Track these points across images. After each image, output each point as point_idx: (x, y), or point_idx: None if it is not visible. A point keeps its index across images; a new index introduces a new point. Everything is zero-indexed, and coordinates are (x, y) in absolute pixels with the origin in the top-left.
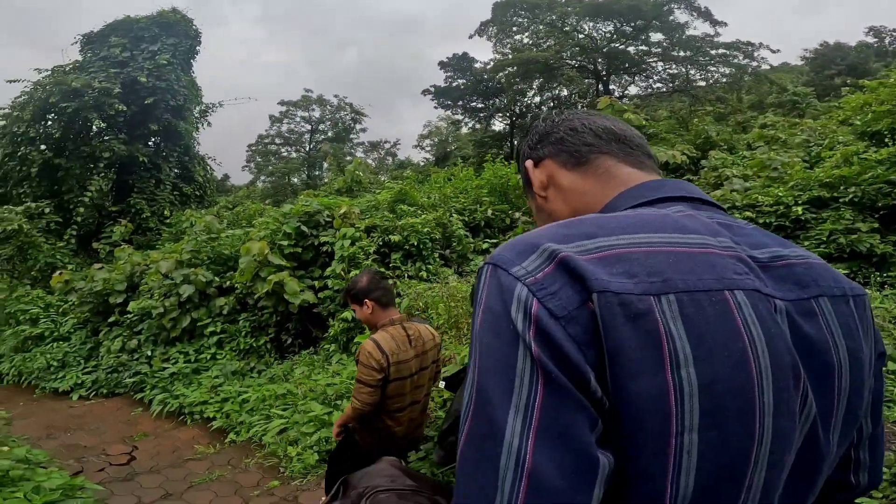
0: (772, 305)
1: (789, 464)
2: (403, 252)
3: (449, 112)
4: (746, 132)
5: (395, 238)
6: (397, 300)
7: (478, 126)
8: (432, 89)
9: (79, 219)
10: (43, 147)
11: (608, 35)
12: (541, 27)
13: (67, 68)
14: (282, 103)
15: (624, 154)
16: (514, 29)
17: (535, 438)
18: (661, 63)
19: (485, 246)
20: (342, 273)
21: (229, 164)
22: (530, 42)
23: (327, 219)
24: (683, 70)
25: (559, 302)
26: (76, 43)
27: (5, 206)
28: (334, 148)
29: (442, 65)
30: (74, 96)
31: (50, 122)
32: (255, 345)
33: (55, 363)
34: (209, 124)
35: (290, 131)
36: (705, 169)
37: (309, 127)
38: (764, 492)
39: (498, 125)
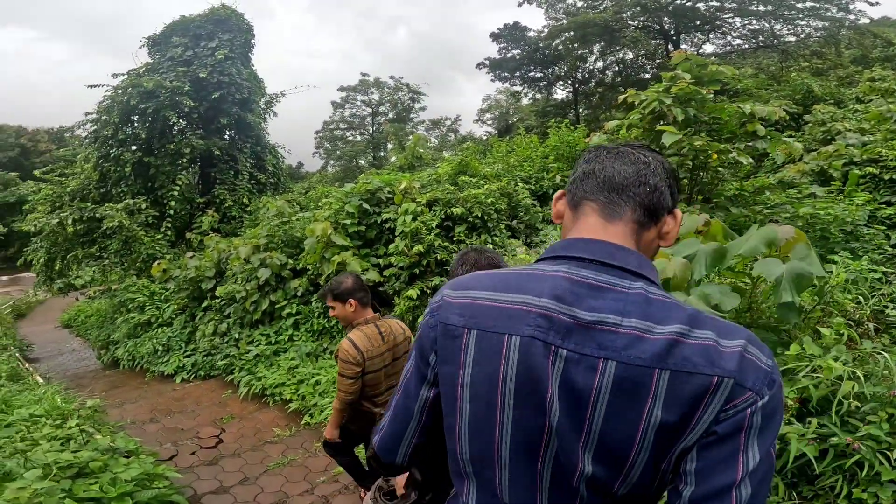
0: (550, 349)
1: (537, 445)
2: (467, 225)
3: (507, 84)
4: (852, 87)
5: (457, 210)
6: None
7: (539, 96)
8: (487, 62)
9: (171, 212)
10: (134, 147)
11: None
12: None
13: (141, 71)
14: (341, 89)
15: (605, 204)
16: None
17: (403, 382)
18: (737, 19)
19: None
20: (405, 249)
21: (302, 152)
22: (584, 5)
23: (388, 195)
24: (767, 25)
25: (433, 320)
26: (143, 46)
27: (108, 204)
28: (395, 128)
29: (494, 36)
30: (150, 97)
31: (136, 124)
32: (327, 325)
33: (161, 347)
34: (275, 114)
35: (352, 116)
36: (810, 124)
37: (370, 110)
38: (523, 453)
39: (560, 93)
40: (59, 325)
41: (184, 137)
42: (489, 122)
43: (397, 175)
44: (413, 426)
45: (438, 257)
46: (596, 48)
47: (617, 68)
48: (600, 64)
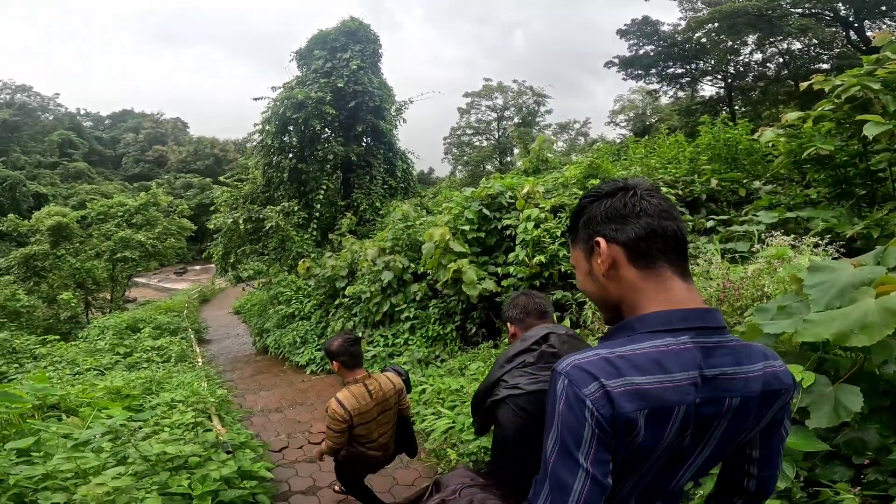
0: (691, 406)
1: (664, 461)
2: None
3: (641, 82)
4: None
5: None
6: None
7: (681, 94)
8: (616, 61)
9: (317, 214)
10: (290, 156)
11: None
12: None
13: (293, 84)
14: (466, 95)
15: (680, 265)
16: None
17: (592, 465)
18: None
19: (709, 224)
20: (525, 259)
21: (432, 158)
22: None
23: (510, 200)
24: None
25: (604, 411)
26: (292, 60)
27: (269, 206)
28: (520, 132)
29: (621, 33)
30: (301, 108)
31: (291, 133)
32: (441, 332)
33: (298, 339)
34: (404, 121)
35: (477, 121)
36: None
37: (495, 115)
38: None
39: (708, 89)
40: (231, 311)
41: (327, 145)
42: (623, 124)
43: (520, 179)
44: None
45: (562, 269)
46: (750, 39)
47: (781, 60)
48: (758, 56)
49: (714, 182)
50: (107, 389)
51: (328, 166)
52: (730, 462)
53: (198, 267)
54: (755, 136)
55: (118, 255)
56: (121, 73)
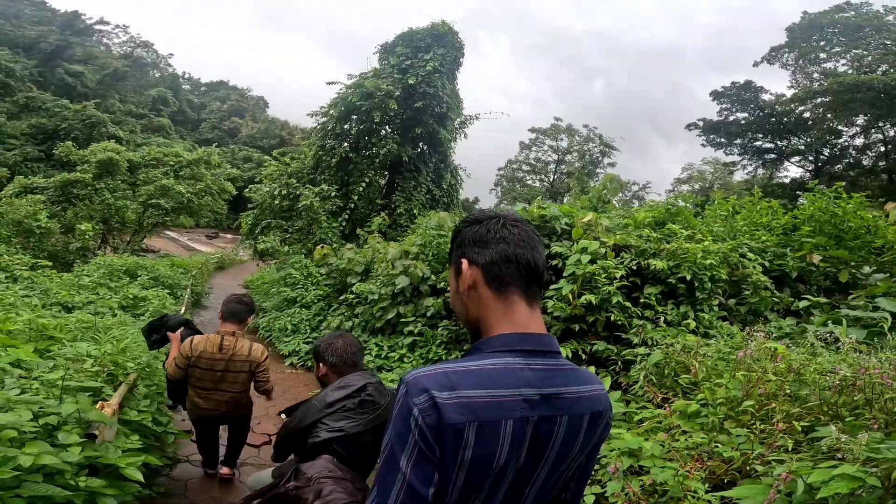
0: (529, 420)
1: (508, 481)
2: (665, 287)
3: (721, 152)
4: None
5: (657, 265)
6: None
7: (761, 171)
8: (700, 123)
9: (352, 205)
10: (345, 144)
11: None
12: (866, 51)
13: (368, 74)
14: (532, 130)
15: (530, 292)
16: (823, 55)
17: (411, 472)
18: None
19: (801, 305)
20: (570, 296)
21: (481, 188)
22: (849, 69)
23: (565, 227)
24: None
25: (430, 421)
26: (376, 52)
27: (307, 186)
28: (579, 173)
29: (716, 95)
30: (368, 97)
31: (353, 122)
32: (444, 357)
33: (290, 326)
34: (465, 136)
35: (536, 159)
36: None
37: (555, 157)
38: (518, 491)
39: (793, 170)
40: (243, 283)
41: (382, 140)
42: (685, 196)
43: (579, 209)
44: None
45: (612, 318)
46: (859, 120)
47: (883, 149)
48: (859, 141)
49: (816, 258)
50: (28, 326)
51: (377, 161)
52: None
53: (229, 235)
54: (877, 214)
55: (153, 200)
56: (225, 46)
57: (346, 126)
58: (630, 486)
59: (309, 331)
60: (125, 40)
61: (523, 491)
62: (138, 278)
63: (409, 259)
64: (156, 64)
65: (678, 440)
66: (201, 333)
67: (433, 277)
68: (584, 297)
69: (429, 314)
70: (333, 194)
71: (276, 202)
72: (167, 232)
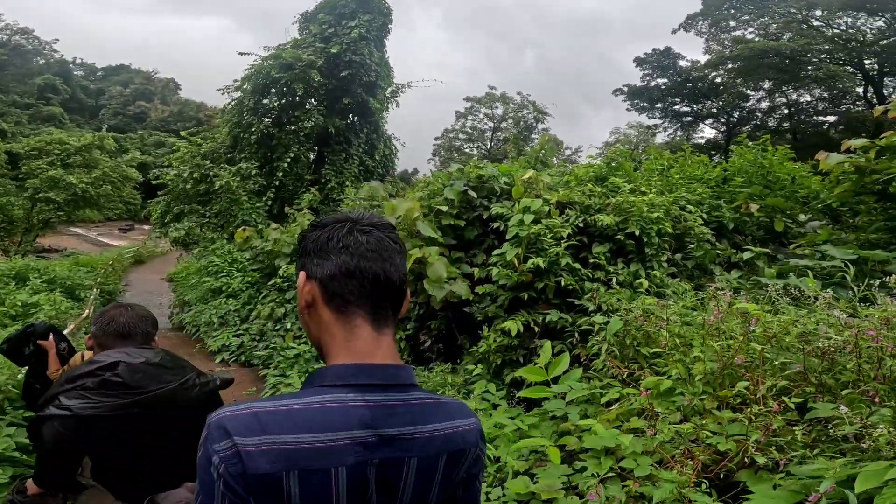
0: (368, 464)
1: None
2: (614, 245)
3: (644, 115)
4: None
5: (604, 220)
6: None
7: (679, 133)
8: (625, 89)
9: (277, 182)
10: (266, 120)
11: (878, 31)
12: (771, 20)
13: (287, 45)
14: (467, 99)
15: (374, 312)
16: (733, 23)
17: None
18: None
19: (744, 256)
20: (514, 261)
21: (419, 158)
22: (756, 37)
23: (505, 186)
24: None
25: (234, 469)
26: (296, 22)
27: (222, 165)
28: (515, 139)
29: (639, 62)
30: (287, 69)
31: (273, 95)
32: (402, 347)
33: (217, 319)
34: (398, 105)
35: (473, 128)
36: None
37: (491, 124)
38: None
39: (708, 132)
40: (165, 277)
41: (305, 111)
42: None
43: (518, 169)
44: None
45: (562, 283)
46: (766, 85)
47: (786, 111)
48: (765, 104)
49: (753, 207)
50: None
51: (302, 135)
52: None
53: (146, 227)
54: (799, 166)
55: (41, 194)
56: (125, 29)
57: (264, 101)
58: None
59: (238, 322)
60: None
61: None
62: (28, 283)
63: None
64: (38, 51)
65: (658, 429)
66: (67, 339)
67: None
68: (530, 261)
69: None
70: (254, 172)
71: (189, 186)
72: (72, 228)
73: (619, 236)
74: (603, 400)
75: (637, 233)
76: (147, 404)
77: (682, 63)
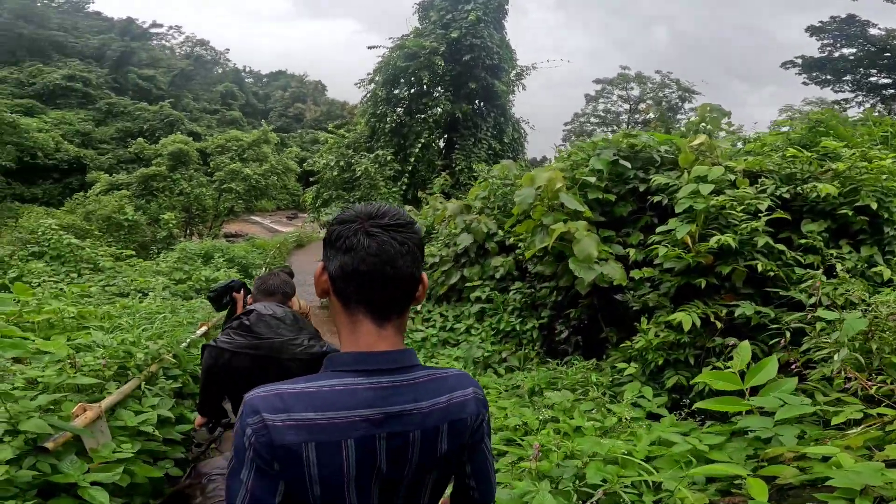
0: (376, 439)
1: (378, 490)
2: (832, 222)
3: (829, 90)
4: None
5: (825, 189)
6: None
7: (881, 107)
8: (798, 61)
9: (410, 168)
10: (399, 110)
11: None
12: None
13: (409, 35)
14: (597, 81)
15: (374, 308)
16: None
17: (251, 486)
18: None
19: None
20: (687, 240)
21: (542, 146)
22: None
23: (668, 154)
24: None
25: (263, 440)
26: (415, 13)
27: (362, 153)
28: (660, 111)
29: (813, 31)
30: (412, 58)
31: (402, 85)
32: (518, 328)
33: None
34: (524, 88)
35: (606, 111)
36: None
37: (626, 106)
38: (371, 499)
39: None
40: (318, 258)
41: (434, 99)
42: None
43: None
44: None
45: (759, 268)
46: None
47: None
48: None
49: None
50: (62, 315)
51: (431, 121)
52: (457, 476)
53: (307, 215)
54: None
55: (224, 185)
56: (274, 37)
57: (395, 91)
58: None
59: None
60: (182, 41)
61: (395, 494)
62: (212, 261)
63: (471, 214)
64: (216, 61)
65: None
66: (250, 292)
67: (500, 232)
68: (713, 240)
69: (498, 276)
70: (390, 158)
71: (335, 174)
72: (253, 217)
73: (841, 211)
74: (836, 420)
75: (874, 206)
76: (258, 348)
77: (874, 31)
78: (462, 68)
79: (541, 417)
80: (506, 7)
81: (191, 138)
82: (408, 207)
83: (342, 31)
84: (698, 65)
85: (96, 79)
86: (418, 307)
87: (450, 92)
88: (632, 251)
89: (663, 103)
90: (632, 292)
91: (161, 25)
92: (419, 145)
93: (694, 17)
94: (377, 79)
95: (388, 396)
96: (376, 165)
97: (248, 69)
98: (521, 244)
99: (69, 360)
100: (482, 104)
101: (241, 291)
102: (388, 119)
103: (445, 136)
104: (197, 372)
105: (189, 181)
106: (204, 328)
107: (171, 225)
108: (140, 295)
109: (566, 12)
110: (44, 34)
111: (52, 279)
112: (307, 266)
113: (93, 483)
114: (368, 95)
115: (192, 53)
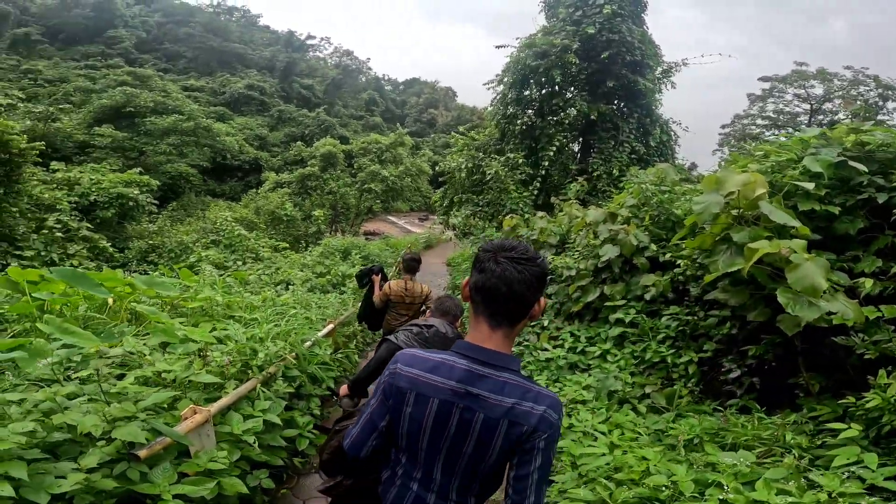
0: (454, 406)
1: (445, 449)
2: None
3: None
4: None
5: None
6: None
7: None
8: None
9: (543, 172)
10: (529, 111)
11: None
12: None
13: (538, 34)
14: (764, 79)
15: (490, 315)
16: None
17: (373, 409)
18: None
19: None
20: None
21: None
22: None
23: None
24: None
25: (391, 381)
26: (541, 11)
27: (492, 156)
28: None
29: None
30: (543, 56)
31: (532, 84)
32: (670, 360)
33: None
34: (673, 86)
35: (777, 111)
36: None
37: (807, 107)
38: (439, 454)
39: None
40: (445, 261)
41: (567, 99)
42: None
43: None
44: (374, 435)
45: None
46: None
47: None
48: None
49: None
50: (212, 304)
51: (566, 122)
52: (505, 479)
53: (439, 220)
54: None
55: (365, 185)
56: (406, 45)
57: (525, 92)
58: None
59: None
60: (332, 51)
61: (457, 458)
62: (349, 257)
63: (616, 223)
64: (360, 70)
65: None
66: (386, 277)
67: (653, 247)
68: None
69: (647, 296)
70: (521, 161)
71: (464, 175)
72: (389, 217)
73: None
74: None
75: None
76: None
77: None
78: (598, 66)
79: (699, 478)
80: (644, 1)
81: (339, 142)
82: (539, 214)
83: (462, 35)
84: (887, 62)
85: (269, 88)
86: (545, 323)
87: (585, 91)
88: (866, 281)
89: (858, 102)
90: (861, 335)
91: (315, 37)
92: (552, 149)
93: (878, 9)
94: (506, 79)
95: (473, 380)
96: (506, 169)
97: (386, 77)
98: (681, 262)
99: (200, 353)
100: (623, 104)
101: (379, 275)
102: (519, 121)
103: (580, 138)
104: (316, 373)
105: (336, 181)
106: (330, 326)
107: (320, 221)
108: (285, 285)
109: (706, 9)
110: (228, 47)
111: (222, 265)
112: (433, 267)
113: (177, 496)
114: (498, 97)
115: (340, 63)
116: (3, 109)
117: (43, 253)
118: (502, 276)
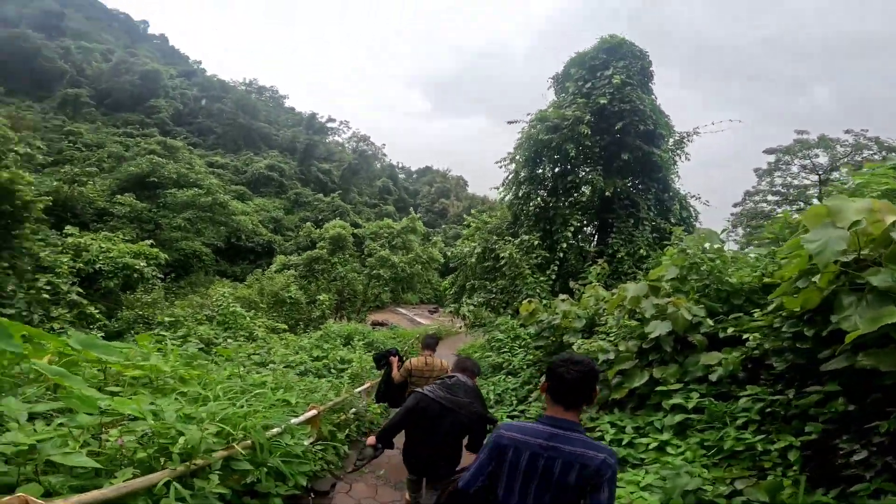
0: (541, 457)
1: (535, 487)
2: None
3: None
4: None
5: None
6: None
7: None
8: None
9: (561, 254)
10: (542, 192)
11: None
12: None
13: (549, 108)
14: (768, 151)
15: (565, 406)
16: None
17: (481, 462)
18: None
19: None
20: None
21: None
22: None
23: None
24: None
25: (496, 441)
26: (550, 87)
27: (506, 238)
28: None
29: None
30: (555, 130)
31: (544, 161)
32: (760, 447)
33: (494, 396)
34: (688, 157)
35: (785, 185)
36: None
37: (813, 178)
38: (529, 491)
39: None
40: (456, 353)
41: (581, 177)
42: None
43: None
44: (482, 477)
45: None
46: None
47: None
48: None
49: None
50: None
51: (583, 200)
52: None
53: (448, 310)
54: None
55: (374, 271)
56: (416, 133)
57: (538, 170)
58: None
59: (515, 402)
60: (350, 136)
61: (545, 492)
62: (351, 342)
63: (661, 298)
64: (375, 155)
65: None
66: (402, 359)
67: (709, 322)
68: None
69: (713, 378)
70: (536, 243)
71: (475, 260)
72: (399, 308)
73: None
74: None
75: None
76: (450, 402)
77: None
78: (611, 138)
79: None
80: (650, 70)
81: (350, 226)
82: (562, 296)
83: (473, 126)
84: (875, 124)
85: (289, 170)
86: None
87: (600, 167)
88: None
89: (864, 167)
90: None
91: (335, 120)
92: (569, 232)
93: (856, 73)
94: (518, 157)
95: (553, 436)
96: (521, 252)
97: (400, 165)
98: (752, 336)
99: (102, 432)
100: (638, 180)
101: (396, 357)
102: (532, 203)
103: (597, 219)
104: (281, 467)
105: (344, 265)
106: (312, 412)
107: (325, 306)
108: (283, 366)
109: (697, 88)
110: (256, 125)
111: (210, 341)
112: (445, 358)
113: None
114: (510, 175)
115: (357, 148)
116: (20, 159)
117: (25, 313)
118: (572, 380)
